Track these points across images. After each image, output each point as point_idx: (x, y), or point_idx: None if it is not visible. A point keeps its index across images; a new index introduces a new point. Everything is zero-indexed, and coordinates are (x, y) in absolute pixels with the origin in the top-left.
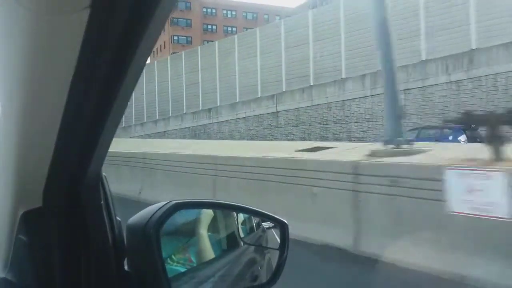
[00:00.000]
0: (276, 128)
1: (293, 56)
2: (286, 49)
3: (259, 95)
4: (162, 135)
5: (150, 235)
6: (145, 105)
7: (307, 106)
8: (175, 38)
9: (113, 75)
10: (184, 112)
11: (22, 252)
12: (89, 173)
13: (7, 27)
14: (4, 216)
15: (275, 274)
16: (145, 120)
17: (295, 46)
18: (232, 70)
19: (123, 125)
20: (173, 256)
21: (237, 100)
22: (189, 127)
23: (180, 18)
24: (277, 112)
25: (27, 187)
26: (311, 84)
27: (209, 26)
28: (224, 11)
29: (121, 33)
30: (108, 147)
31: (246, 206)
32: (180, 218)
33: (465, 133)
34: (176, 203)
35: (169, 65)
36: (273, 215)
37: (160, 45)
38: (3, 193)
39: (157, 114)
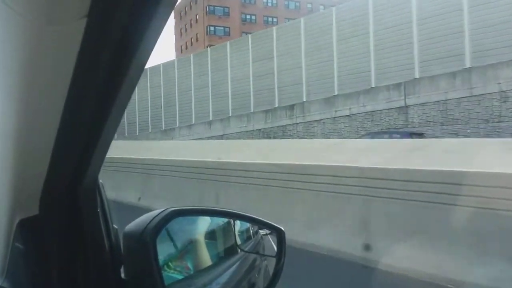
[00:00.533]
0: (405, 129)
1: (433, 29)
2: (420, 21)
3: (373, 85)
4: (220, 139)
5: (147, 242)
6: (193, 104)
7: (462, 97)
8: (211, 28)
9: (110, 83)
10: (251, 110)
11: (18, 260)
12: (86, 180)
13: (5, 35)
14: (0, 224)
15: (272, 282)
16: (193, 122)
17: (436, 16)
18: (327, 54)
19: (163, 128)
20: (170, 263)
21: (336, 93)
22: (260, 129)
23: (216, 6)
24: (406, 106)
25: (23, 195)
26: (468, 66)
27: (248, 16)
28: (264, 0)
29: (118, 42)
30: (105, 154)
31: (243, 213)
32: (177, 225)
33: (412, 138)
34: (173, 210)
35: (228, 53)
36: (270, 222)
37: (191, 38)
38: None
39: (210, 114)
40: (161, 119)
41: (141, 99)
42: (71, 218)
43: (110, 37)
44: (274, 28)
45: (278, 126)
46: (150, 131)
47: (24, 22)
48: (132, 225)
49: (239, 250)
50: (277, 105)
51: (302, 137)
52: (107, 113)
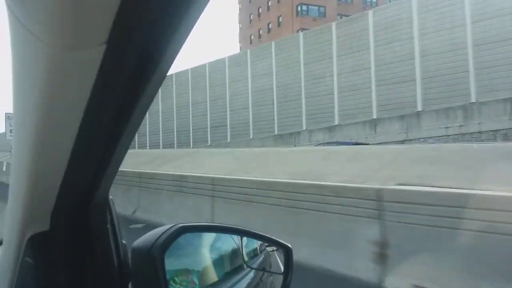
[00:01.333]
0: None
1: None
2: None
3: None
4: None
5: (155, 258)
6: (335, 96)
7: None
8: (303, 8)
9: (125, 106)
10: (472, 101)
11: (28, 275)
12: (97, 197)
13: (26, 60)
14: (11, 239)
15: None
16: (336, 122)
17: None
18: None
19: (276, 133)
20: (176, 278)
21: None
22: (495, 131)
23: None
24: None
25: (35, 211)
26: None
27: None
28: None
29: (135, 68)
30: (116, 171)
31: (251, 230)
32: (184, 240)
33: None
34: (182, 227)
35: (414, 14)
36: (277, 239)
37: (268, 24)
38: (11, 217)
39: (374, 110)
40: (273, 119)
41: (234, 94)
42: (81, 234)
43: (128, 63)
44: None
45: None
46: (251, 136)
47: (44, 47)
48: (140, 241)
49: (245, 266)
50: None
51: None
52: (121, 133)
